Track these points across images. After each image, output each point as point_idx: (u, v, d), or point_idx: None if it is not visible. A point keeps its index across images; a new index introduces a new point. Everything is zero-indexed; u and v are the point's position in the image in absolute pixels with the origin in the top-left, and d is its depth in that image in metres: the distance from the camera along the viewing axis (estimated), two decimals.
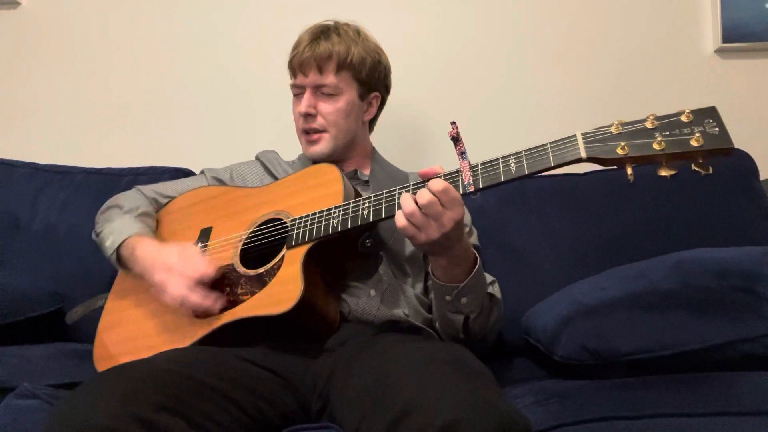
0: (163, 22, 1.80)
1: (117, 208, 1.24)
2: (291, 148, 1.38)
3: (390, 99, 1.38)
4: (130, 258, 1.13)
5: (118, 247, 1.15)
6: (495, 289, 1.12)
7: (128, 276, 1.18)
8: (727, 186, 1.43)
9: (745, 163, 1.46)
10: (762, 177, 1.49)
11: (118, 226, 1.18)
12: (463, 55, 1.77)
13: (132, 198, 1.27)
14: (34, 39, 1.82)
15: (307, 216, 1.05)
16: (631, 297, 1.03)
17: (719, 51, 1.74)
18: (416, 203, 0.91)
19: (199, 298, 1.02)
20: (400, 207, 0.93)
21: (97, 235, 1.22)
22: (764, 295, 0.95)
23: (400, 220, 0.93)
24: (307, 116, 1.25)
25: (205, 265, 1.05)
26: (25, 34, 1.81)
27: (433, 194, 0.90)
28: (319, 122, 1.25)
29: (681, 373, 0.92)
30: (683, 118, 0.81)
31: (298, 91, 1.28)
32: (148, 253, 1.10)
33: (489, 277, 1.13)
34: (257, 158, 1.37)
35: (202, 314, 1.04)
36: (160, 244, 1.12)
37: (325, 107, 1.24)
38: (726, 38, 1.71)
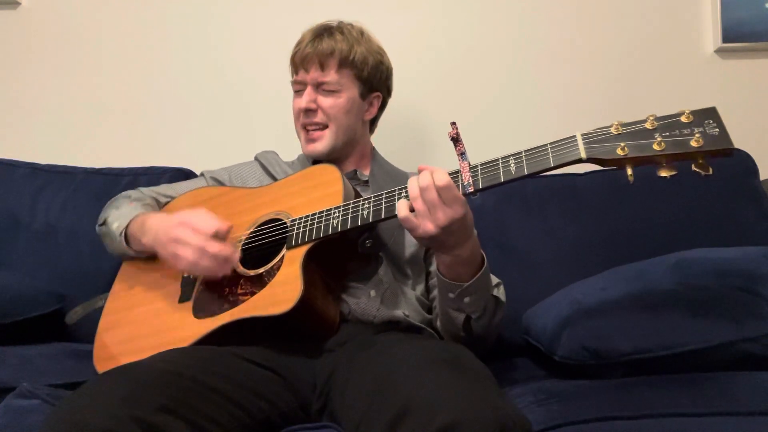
0: (164, 22, 1.80)
1: (125, 197, 1.25)
2: (290, 148, 1.38)
3: (391, 100, 1.38)
4: (139, 231, 1.13)
5: (127, 226, 1.15)
6: (500, 292, 1.12)
7: (132, 271, 1.19)
8: (727, 186, 1.43)
9: (745, 163, 1.46)
10: (762, 177, 1.49)
11: (125, 211, 1.19)
12: (463, 55, 1.77)
13: (137, 193, 1.28)
14: (34, 39, 1.81)
15: (306, 216, 1.05)
16: (630, 297, 1.03)
17: (719, 51, 1.74)
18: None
19: (218, 247, 1.01)
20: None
21: (102, 223, 1.22)
22: (764, 295, 0.95)
23: (402, 209, 0.93)
24: (308, 111, 1.25)
25: (219, 220, 1.04)
26: (25, 34, 1.81)
27: (436, 189, 0.90)
28: (320, 117, 1.24)
29: (681, 373, 0.92)
30: (683, 119, 0.81)
31: (299, 88, 1.28)
32: (158, 220, 1.10)
33: (495, 279, 1.12)
34: (256, 159, 1.37)
35: (216, 272, 1.02)
36: (170, 213, 1.12)
37: (326, 102, 1.24)
38: (726, 38, 1.71)
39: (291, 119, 1.31)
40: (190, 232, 1.02)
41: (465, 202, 0.93)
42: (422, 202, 0.91)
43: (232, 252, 1.02)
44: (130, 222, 1.16)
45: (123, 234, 1.16)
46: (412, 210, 0.93)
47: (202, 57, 1.80)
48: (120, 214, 1.19)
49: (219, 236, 1.03)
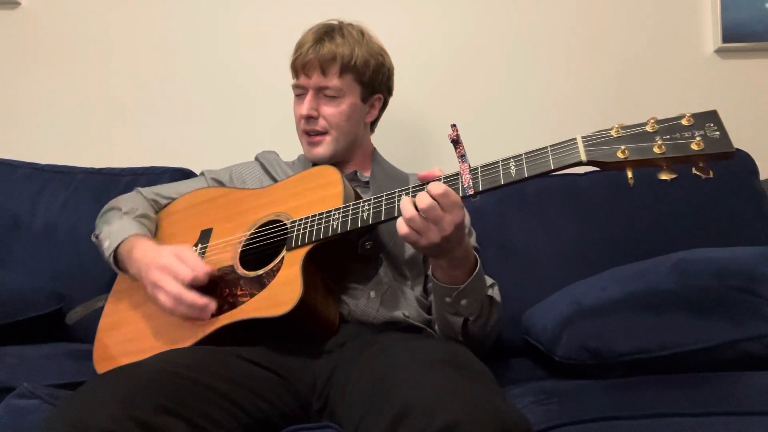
0: (163, 21, 1.80)
1: (116, 210, 1.23)
2: (291, 148, 1.38)
3: (391, 99, 1.38)
4: (126, 259, 1.13)
5: (116, 249, 1.14)
6: (495, 292, 1.12)
7: (127, 278, 1.18)
8: (727, 186, 1.43)
9: (745, 163, 1.46)
10: (762, 177, 1.49)
11: (116, 228, 1.17)
12: (465, 56, 1.77)
13: (131, 200, 1.26)
14: (34, 39, 1.81)
15: (307, 218, 1.05)
16: (630, 297, 1.03)
17: (719, 51, 1.73)
18: (416, 208, 0.91)
19: (193, 298, 1.01)
20: (400, 212, 0.93)
21: (96, 237, 1.22)
22: (764, 295, 0.95)
23: (401, 227, 0.93)
24: (309, 118, 1.24)
25: (200, 265, 1.04)
26: (25, 34, 1.81)
27: (433, 198, 0.90)
28: (321, 124, 1.24)
29: (681, 373, 0.92)
30: (684, 122, 0.81)
31: (300, 92, 1.27)
32: (143, 253, 1.09)
33: (489, 280, 1.13)
34: (257, 159, 1.37)
35: (194, 318, 1.03)
36: (156, 245, 1.11)
37: (328, 110, 1.24)
38: (726, 38, 1.71)
39: (291, 119, 1.31)
40: (170, 278, 1.03)
41: (462, 205, 0.93)
42: (422, 220, 0.91)
43: (207, 302, 1.02)
44: (120, 245, 1.14)
45: (112, 256, 1.15)
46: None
47: (201, 57, 1.79)
48: (110, 232, 1.17)
49: (197, 283, 1.03)
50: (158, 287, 1.04)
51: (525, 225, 1.46)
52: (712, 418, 0.79)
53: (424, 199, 0.90)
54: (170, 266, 1.04)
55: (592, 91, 1.75)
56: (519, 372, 1.21)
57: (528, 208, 1.48)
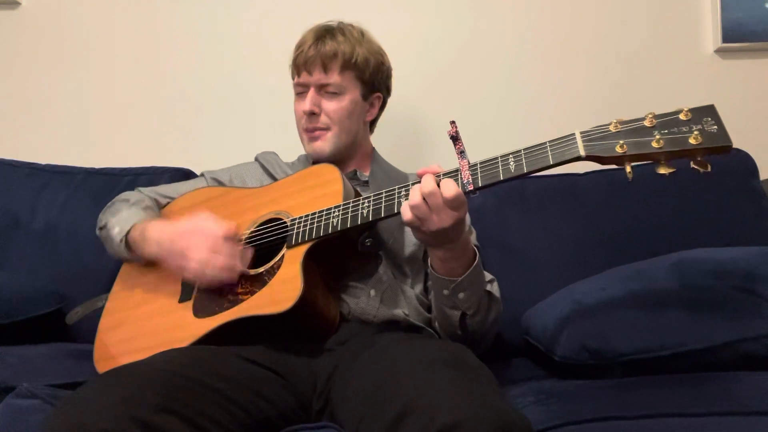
0: (164, 22, 1.80)
1: (123, 201, 1.25)
2: (291, 148, 1.38)
3: (390, 99, 1.38)
4: (140, 241, 1.13)
5: (128, 233, 1.15)
6: (494, 288, 1.12)
7: (132, 271, 1.19)
8: (727, 186, 1.43)
9: (745, 163, 1.46)
10: (762, 177, 1.49)
11: (125, 216, 1.18)
12: (463, 54, 1.77)
13: (136, 194, 1.28)
14: (34, 39, 1.82)
15: (306, 216, 1.05)
16: (631, 297, 1.03)
17: (719, 51, 1.74)
18: (424, 199, 0.92)
19: (225, 257, 1.02)
20: (400, 206, 0.94)
21: (102, 228, 1.22)
22: (764, 295, 0.95)
23: (405, 212, 0.93)
24: (311, 115, 1.25)
25: (225, 223, 1.05)
26: (25, 34, 1.82)
27: (444, 200, 0.90)
28: (323, 121, 1.25)
29: (681, 373, 0.92)
30: (682, 116, 0.81)
31: (301, 90, 1.27)
32: (161, 229, 1.10)
33: (488, 276, 1.13)
34: (256, 159, 1.37)
35: (226, 280, 1.03)
36: (170, 222, 1.12)
37: (329, 105, 1.24)
38: (726, 38, 1.71)
39: (291, 120, 1.31)
40: (201, 239, 1.04)
41: (466, 203, 0.94)
42: (427, 208, 0.91)
43: (238, 261, 1.03)
44: (131, 229, 1.15)
45: (123, 240, 1.16)
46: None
47: (202, 57, 1.80)
48: (119, 219, 1.18)
49: (228, 238, 1.04)
50: (186, 255, 1.04)
51: (525, 225, 1.46)
52: (713, 418, 0.79)
53: (428, 184, 0.91)
54: (196, 229, 1.05)
55: (592, 92, 1.75)
56: (519, 372, 1.21)
57: (528, 208, 1.48)
